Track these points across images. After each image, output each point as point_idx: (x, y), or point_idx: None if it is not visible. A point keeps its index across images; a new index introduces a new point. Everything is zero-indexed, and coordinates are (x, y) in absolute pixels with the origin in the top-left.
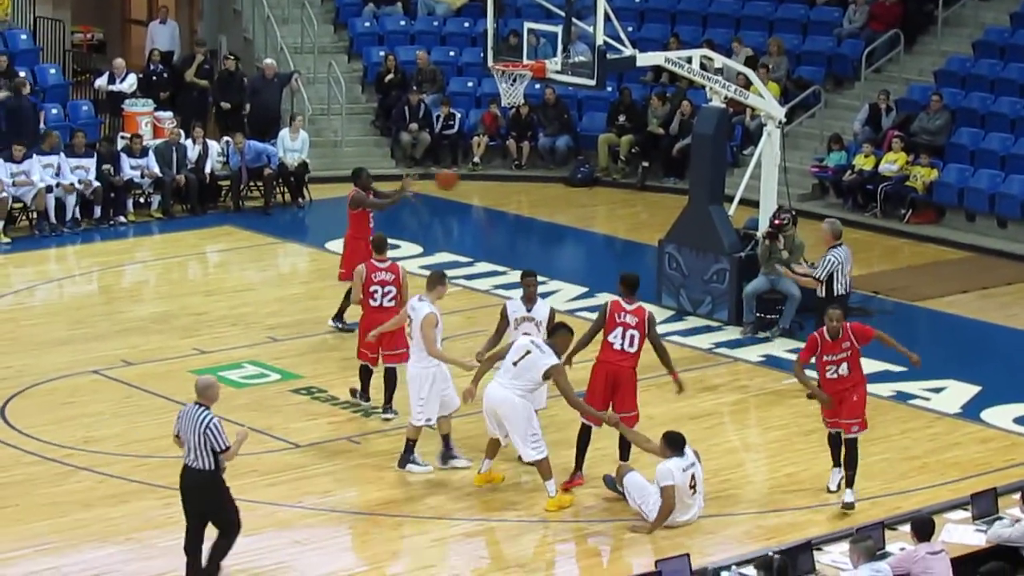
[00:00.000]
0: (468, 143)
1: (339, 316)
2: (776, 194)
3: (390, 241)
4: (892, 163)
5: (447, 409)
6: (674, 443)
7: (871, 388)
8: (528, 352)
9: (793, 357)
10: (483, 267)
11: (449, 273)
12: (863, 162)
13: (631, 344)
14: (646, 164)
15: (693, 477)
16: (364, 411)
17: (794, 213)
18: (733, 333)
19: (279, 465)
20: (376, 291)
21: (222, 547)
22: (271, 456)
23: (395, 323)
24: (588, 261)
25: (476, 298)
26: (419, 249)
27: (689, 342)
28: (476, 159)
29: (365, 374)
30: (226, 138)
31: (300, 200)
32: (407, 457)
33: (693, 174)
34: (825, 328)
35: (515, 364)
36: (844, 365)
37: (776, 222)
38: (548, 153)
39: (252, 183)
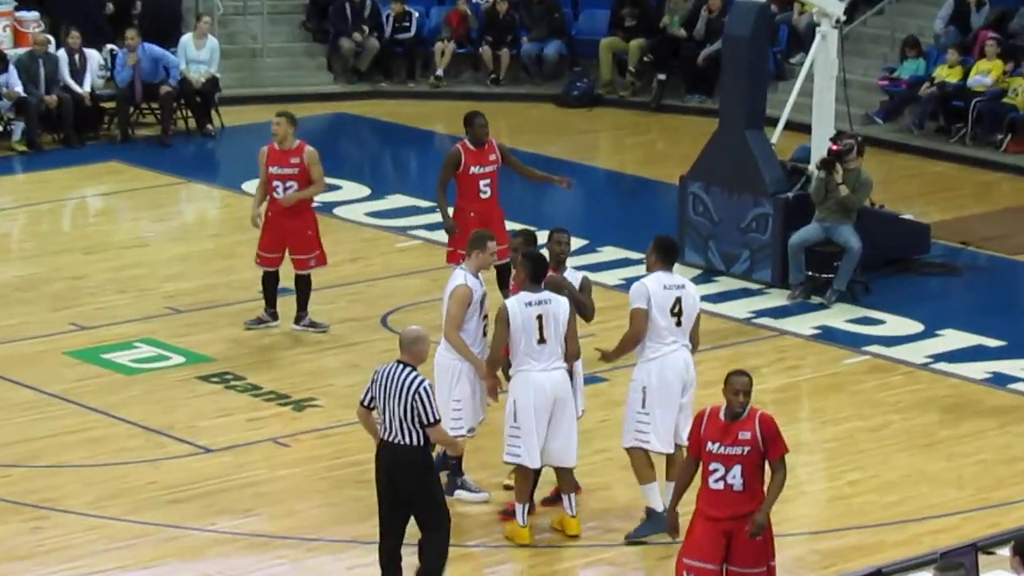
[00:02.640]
0: (429, 51)
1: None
2: (833, 115)
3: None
4: (985, 74)
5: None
6: (664, 251)
7: (957, 368)
8: (540, 315)
9: (857, 329)
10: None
11: (405, 222)
12: (947, 73)
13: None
14: (662, 77)
15: (679, 303)
16: (296, 405)
17: (859, 139)
18: (778, 298)
19: (184, 475)
20: (277, 185)
21: (437, 548)
22: (173, 464)
23: (310, 192)
24: (588, 205)
25: (439, 255)
26: (366, 191)
27: (720, 310)
28: (439, 72)
29: (269, 283)
30: (111, 46)
31: (208, 127)
32: (455, 480)
33: (725, 90)
34: (725, 404)
35: (542, 341)
36: (737, 470)
37: (834, 148)
38: (534, 63)
39: (146, 105)
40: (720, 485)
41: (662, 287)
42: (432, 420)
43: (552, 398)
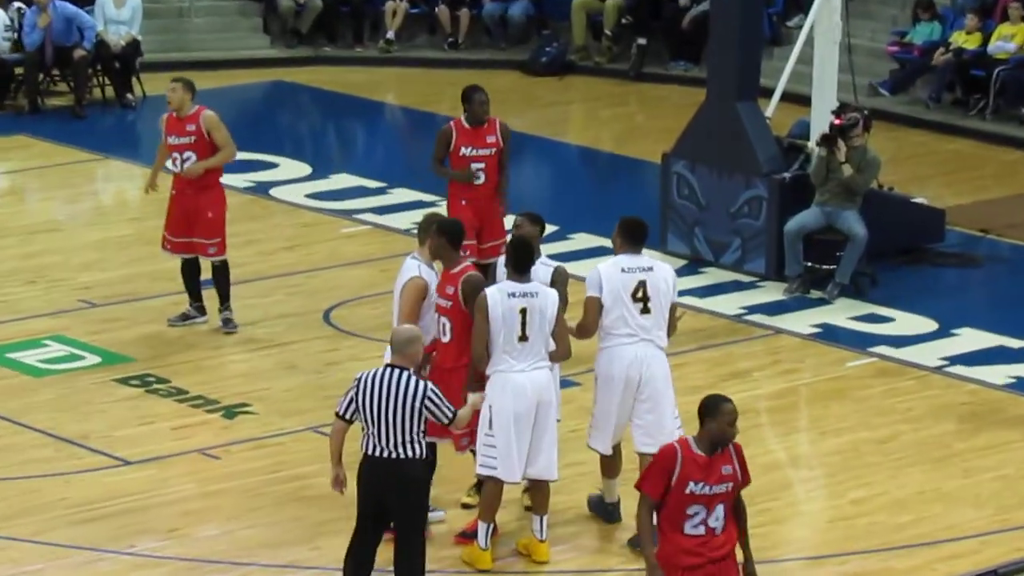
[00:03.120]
0: (379, 11)
1: None
2: (836, 85)
3: (258, 158)
4: (1008, 39)
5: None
6: (629, 233)
7: (975, 372)
8: (524, 308)
9: (862, 328)
10: (400, 195)
11: (351, 205)
12: (965, 39)
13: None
14: (643, 41)
15: (643, 287)
16: (227, 412)
17: (865, 113)
18: (773, 292)
19: (99, 490)
20: (176, 157)
21: (414, 570)
22: (88, 477)
23: (217, 160)
24: (558, 187)
25: (390, 242)
26: (306, 169)
27: (708, 306)
28: (390, 35)
29: (188, 273)
30: (18, 4)
31: (128, 96)
32: None
33: (713, 57)
34: (708, 433)
35: (523, 339)
36: (720, 510)
37: (837, 122)
38: (498, 25)
39: (57, 71)
40: (701, 530)
41: (620, 270)
42: (452, 416)
43: (534, 402)
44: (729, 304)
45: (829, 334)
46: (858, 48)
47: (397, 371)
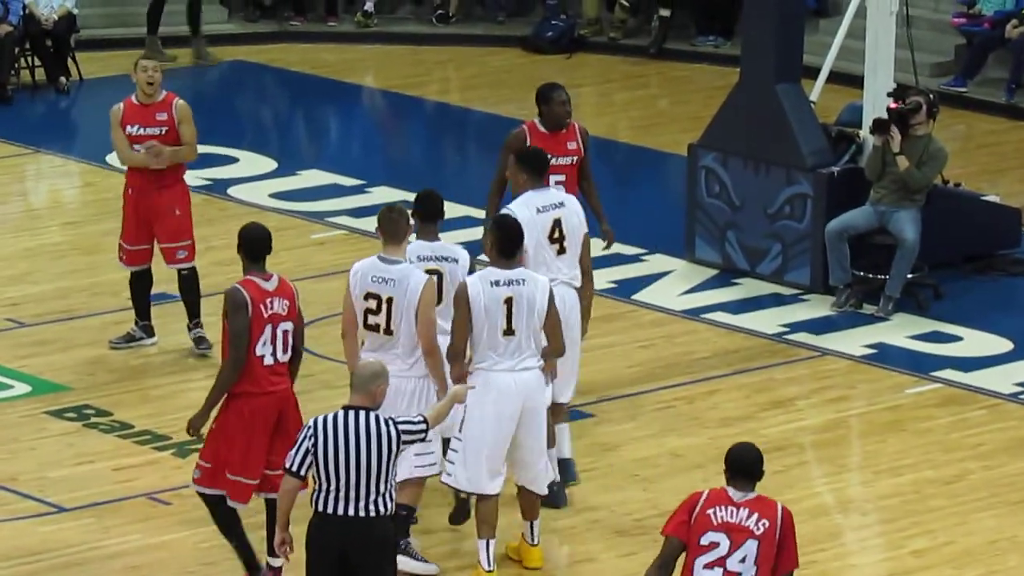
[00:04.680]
0: None
1: None
2: (893, 64)
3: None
4: None
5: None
6: (528, 163)
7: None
8: (509, 298)
9: (923, 348)
10: (381, 195)
11: (324, 206)
12: None
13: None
14: (665, 13)
15: (558, 226)
16: (179, 449)
17: (932, 97)
18: (820, 306)
19: (31, 541)
20: (138, 150)
21: None
22: (17, 527)
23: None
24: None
25: (369, 249)
26: (271, 164)
27: (743, 323)
28: (369, 6)
29: (138, 287)
30: None
31: (62, 79)
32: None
33: (748, 30)
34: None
35: (509, 333)
36: (750, 547)
37: (893, 106)
38: None
39: None
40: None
41: (535, 211)
42: (426, 424)
43: (519, 406)
44: (768, 321)
45: (885, 356)
46: (918, 20)
47: (362, 414)
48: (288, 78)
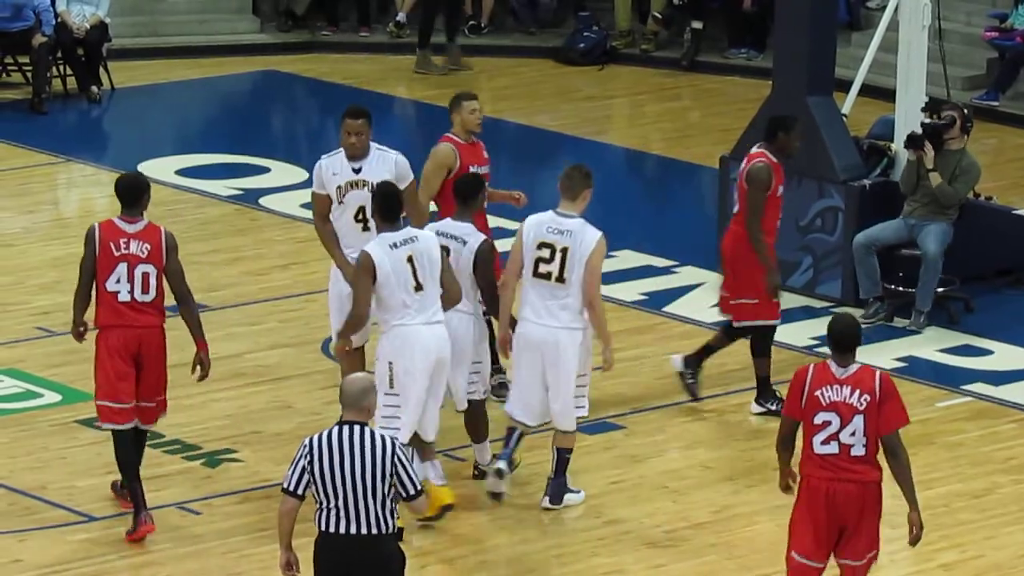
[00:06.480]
0: None
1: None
2: (925, 77)
3: (246, 161)
4: None
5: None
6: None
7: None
8: (410, 256)
9: (954, 361)
10: None
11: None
12: None
13: None
14: (698, 25)
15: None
16: (209, 459)
17: (966, 112)
18: None
19: (60, 551)
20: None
21: None
22: (46, 536)
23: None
24: (599, 196)
25: None
26: (302, 175)
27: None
28: (401, 17)
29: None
30: None
31: (93, 89)
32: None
33: (780, 43)
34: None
35: (419, 288)
36: (857, 422)
37: (927, 121)
38: (525, 7)
39: (11, 60)
40: (832, 448)
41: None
42: (418, 490)
43: (435, 359)
44: (798, 334)
45: (915, 369)
46: (950, 34)
47: (358, 428)
48: (320, 88)
